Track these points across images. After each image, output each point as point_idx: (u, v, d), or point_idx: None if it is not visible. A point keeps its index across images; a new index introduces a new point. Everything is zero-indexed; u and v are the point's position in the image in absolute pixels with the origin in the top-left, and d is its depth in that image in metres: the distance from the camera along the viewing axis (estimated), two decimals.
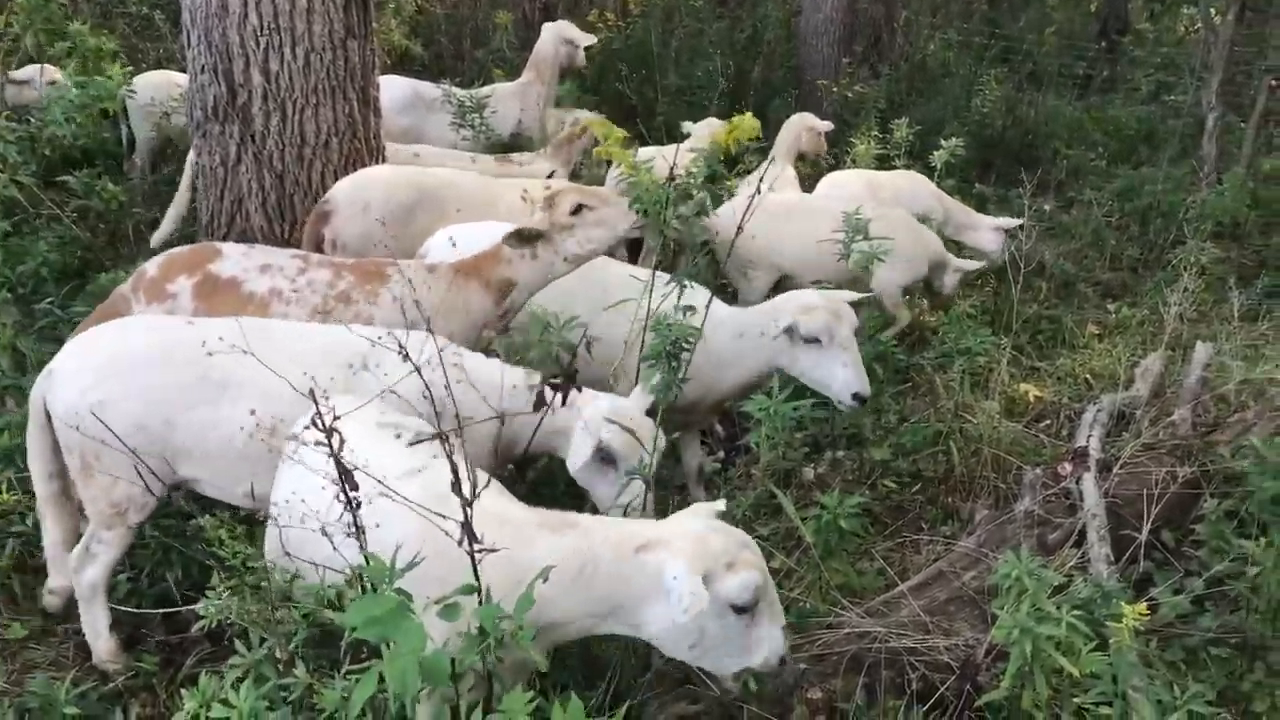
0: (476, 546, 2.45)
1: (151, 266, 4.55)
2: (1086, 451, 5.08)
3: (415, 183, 5.75)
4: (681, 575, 2.82)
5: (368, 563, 2.35)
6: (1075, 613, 3.39)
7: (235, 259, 4.55)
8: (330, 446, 2.53)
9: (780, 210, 6.76)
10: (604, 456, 3.93)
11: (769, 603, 3.04)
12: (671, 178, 4.47)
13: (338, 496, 2.60)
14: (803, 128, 8.57)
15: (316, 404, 2.58)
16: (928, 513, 5.23)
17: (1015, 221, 7.85)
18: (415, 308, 3.98)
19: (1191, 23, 18.18)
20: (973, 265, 7.53)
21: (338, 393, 3.68)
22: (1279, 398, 5.46)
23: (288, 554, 3.22)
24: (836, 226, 6.06)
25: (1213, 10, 12.09)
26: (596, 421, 3.92)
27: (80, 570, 3.83)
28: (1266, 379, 5.63)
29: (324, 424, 2.52)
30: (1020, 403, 6.07)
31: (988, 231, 7.99)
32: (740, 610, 2.93)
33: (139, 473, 3.67)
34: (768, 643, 3.03)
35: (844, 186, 7.78)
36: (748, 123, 4.36)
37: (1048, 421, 6.29)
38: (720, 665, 3.08)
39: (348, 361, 3.91)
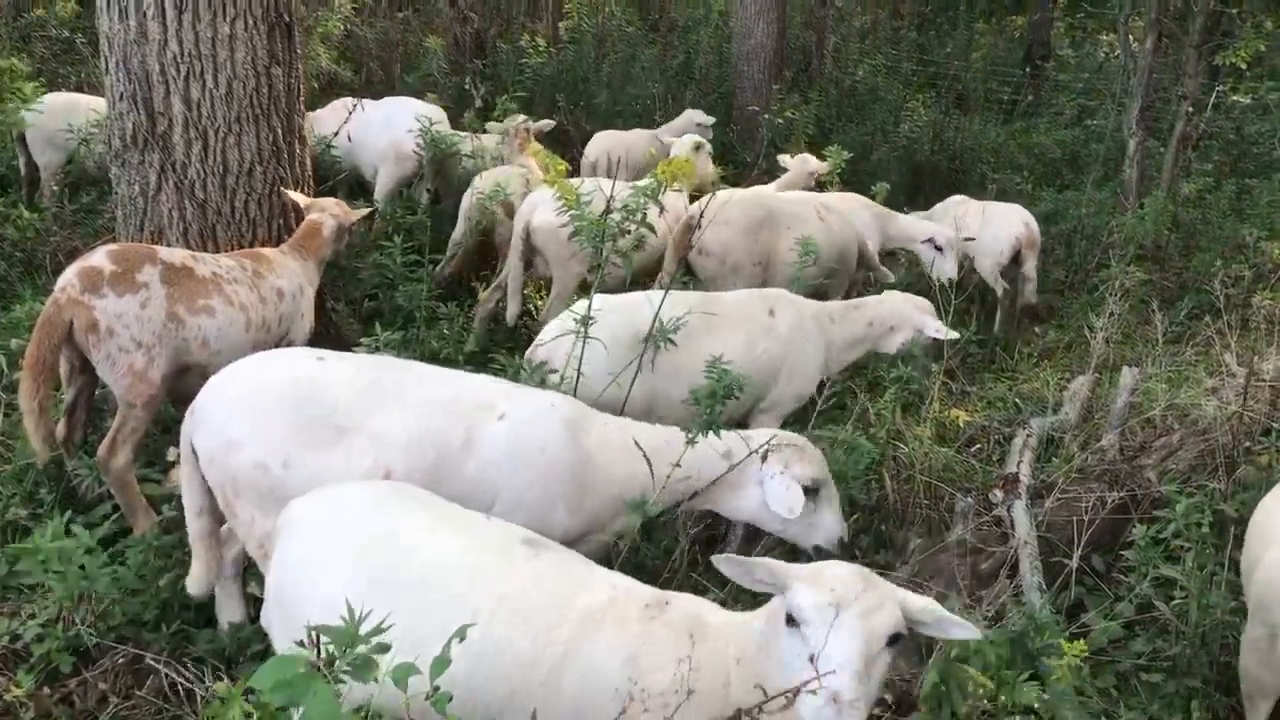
0: None
1: (100, 261, 4.41)
2: (1017, 478, 5.12)
3: (764, 203, 6.84)
4: None
5: None
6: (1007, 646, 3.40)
7: (167, 251, 4.74)
8: None
9: None
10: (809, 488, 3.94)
11: None
12: (609, 210, 4.58)
13: None
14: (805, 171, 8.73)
15: None
16: (861, 541, 5.22)
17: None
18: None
19: (1112, 49, 18.63)
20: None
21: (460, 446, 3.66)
22: (1202, 421, 5.55)
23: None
24: None
25: (1131, 38, 12.39)
26: (784, 458, 3.92)
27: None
28: (1190, 403, 5.71)
29: None
30: (951, 427, 6.10)
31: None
32: None
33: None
34: None
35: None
36: (687, 167, 4.79)
37: (979, 445, 6.32)
38: None
39: (474, 409, 3.75)
